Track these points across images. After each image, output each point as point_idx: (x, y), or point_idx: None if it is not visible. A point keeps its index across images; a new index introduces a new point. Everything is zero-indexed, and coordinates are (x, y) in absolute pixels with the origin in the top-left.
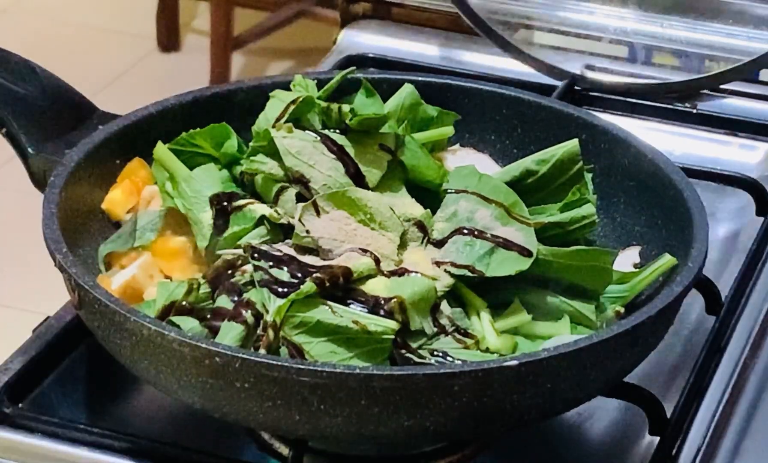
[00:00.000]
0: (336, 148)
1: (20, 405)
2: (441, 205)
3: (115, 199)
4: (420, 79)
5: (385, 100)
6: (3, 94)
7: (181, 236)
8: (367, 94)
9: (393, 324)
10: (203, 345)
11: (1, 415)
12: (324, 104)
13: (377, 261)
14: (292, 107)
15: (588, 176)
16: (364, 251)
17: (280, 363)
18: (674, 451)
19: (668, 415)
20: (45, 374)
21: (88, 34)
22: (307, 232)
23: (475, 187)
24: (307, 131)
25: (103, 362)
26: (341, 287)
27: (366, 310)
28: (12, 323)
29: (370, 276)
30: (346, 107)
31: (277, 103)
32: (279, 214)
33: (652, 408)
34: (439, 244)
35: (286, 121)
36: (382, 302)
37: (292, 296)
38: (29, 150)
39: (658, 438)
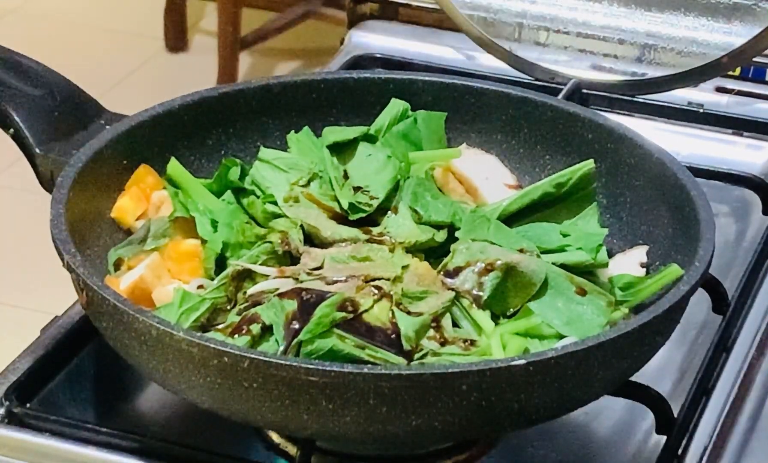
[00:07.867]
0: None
1: (28, 405)
2: (452, 251)
3: (124, 207)
4: (427, 79)
5: (390, 100)
6: (10, 95)
7: (192, 239)
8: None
9: (404, 361)
10: (212, 345)
11: (10, 414)
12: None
13: (379, 289)
14: (299, 188)
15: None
16: (367, 281)
17: (288, 363)
18: (681, 450)
19: (675, 414)
20: (53, 373)
21: (95, 34)
22: (312, 259)
23: (486, 235)
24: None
25: (110, 361)
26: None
27: (374, 341)
28: (20, 323)
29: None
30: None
31: (267, 167)
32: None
33: (659, 407)
34: (452, 274)
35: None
36: (391, 334)
37: (302, 336)
38: (37, 150)
39: (664, 437)
